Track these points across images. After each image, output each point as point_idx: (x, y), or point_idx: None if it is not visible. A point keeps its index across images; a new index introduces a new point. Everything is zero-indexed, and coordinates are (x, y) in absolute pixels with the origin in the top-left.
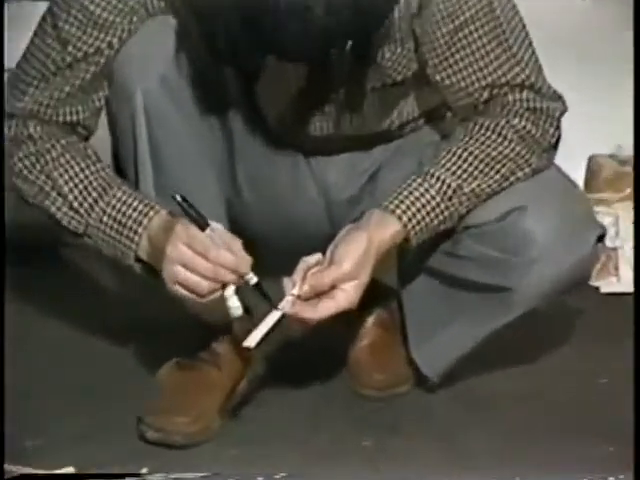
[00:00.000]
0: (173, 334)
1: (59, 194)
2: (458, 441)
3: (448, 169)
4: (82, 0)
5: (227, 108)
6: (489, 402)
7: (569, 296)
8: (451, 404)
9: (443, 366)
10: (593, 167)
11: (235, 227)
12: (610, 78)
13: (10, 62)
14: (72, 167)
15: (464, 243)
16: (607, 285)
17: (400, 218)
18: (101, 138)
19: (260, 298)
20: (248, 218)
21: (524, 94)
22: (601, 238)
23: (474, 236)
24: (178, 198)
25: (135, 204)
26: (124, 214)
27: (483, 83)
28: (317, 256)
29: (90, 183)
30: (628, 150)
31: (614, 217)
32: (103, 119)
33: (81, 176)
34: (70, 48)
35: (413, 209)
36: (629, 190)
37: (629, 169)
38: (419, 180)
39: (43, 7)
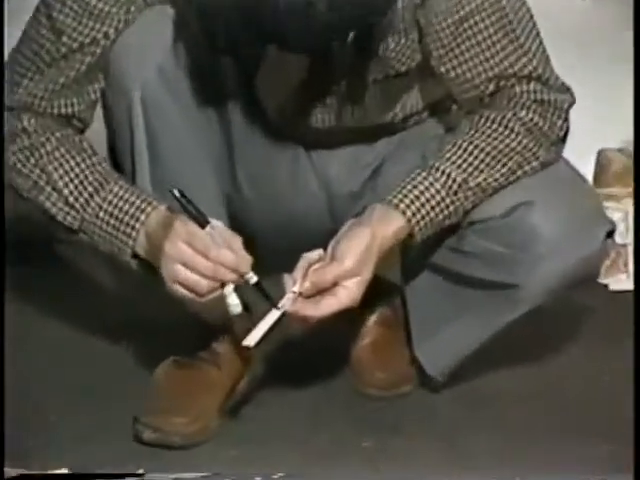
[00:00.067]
0: (172, 333)
1: (54, 189)
2: (459, 441)
3: (453, 162)
4: None
5: (226, 100)
6: (490, 402)
7: (577, 293)
8: (453, 404)
9: (447, 365)
10: (602, 161)
11: (234, 222)
12: (612, 77)
13: None
14: (67, 161)
15: (469, 239)
16: (616, 282)
17: (404, 213)
18: (97, 131)
19: (260, 297)
20: (247, 213)
21: (531, 86)
22: (610, 234)
23: (480, 231)
24: (176, 193)
25: (132, 199)
26: (121, 209)
27: (489, 74)
28: (318, 252)
29: (86, 177)
30: None
31: (624, 213)
32: (99, 111)
33: (76, 170)
34: (65, 39)
35: (417, 204)
36: None
37: None
38: (423, 174)
39: None
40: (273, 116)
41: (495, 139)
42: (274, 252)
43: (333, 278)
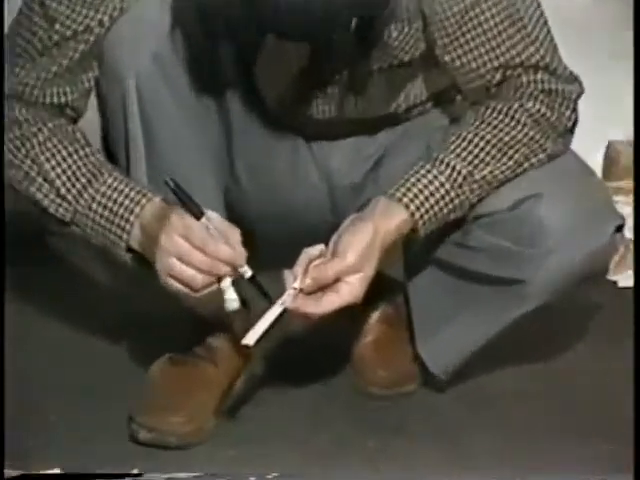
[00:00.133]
0: (166, 328)
1: (45, 180)
2: (459, 441)
3: (458, 155)
4: None
5: (224, 88)
6: (492, 401)
7: (585, 290)
8: (454, 403)
9: (451, 363)
10: (611, 154)
11: (232, 214)
12: (613, 77)
13: None
14: (59, 151)
15: (475, 233)
16: (625, 279)
17: (407, 207)
18: (90, 121)
19: (256, 292)
20: (246, 205)
21: (539, 75)
22: (620, 228)
23: (485, 226)
24: (171, 183)
25: (127, 191)
26: (115, 201)
27: (495, 64)
28: (320, 247)
29: (79, 168)
30: None
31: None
32: (92, 101)
33: (69, 161)
34: (58, 26)
35: (421, 197)
36: None
37: None
38: (427, 166)
39: None
40: (273, 106)
41: (501, 130)
42: (273, 245)
43: (335, 274)
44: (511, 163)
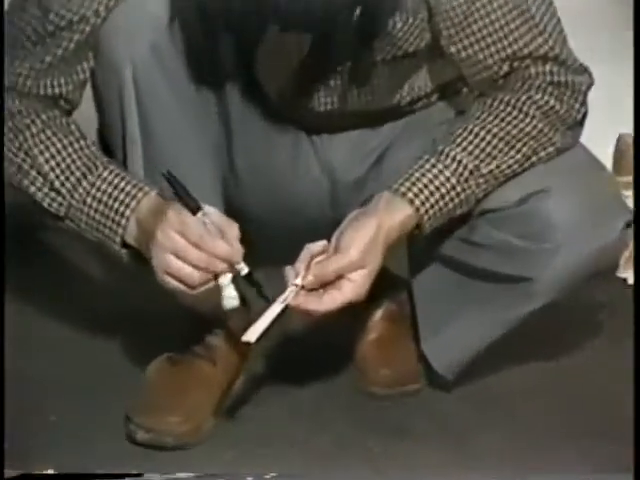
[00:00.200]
0: (165, 327)
1: (39, 173)
2: (464, 442)
3: (464, 148)
4: None
5: (223, 81)
6: (494, 401)
7: (594, 287)
8: (459, 403)
9: (456, 362)
10: (622, 147)
11: (231, 209)
12: (624, 68)
13: None
14: (53, 144)
15: (481, 229)
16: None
17: (412, 202)
18: (86, 113)
19: (253, 290)
20: (246, 200)
21: (547, 67)
22: (630, 224)
23: (492, 221)
24: (168, 177)
25: (122, 185)
26: (110, 195)
27: (503, 55)
28: (322, 243)
29: (73, 161)
30: None
31: None
32: (88, 92)
33: (63, 154)
34: (52, 16)
35: (426, 192)
36: None
37: None
38: (432, 160)
39: None
40: (273, 98)
41: (509, 123)
42: (273, 241)
43: (337, 271)
44: (519, 157)
